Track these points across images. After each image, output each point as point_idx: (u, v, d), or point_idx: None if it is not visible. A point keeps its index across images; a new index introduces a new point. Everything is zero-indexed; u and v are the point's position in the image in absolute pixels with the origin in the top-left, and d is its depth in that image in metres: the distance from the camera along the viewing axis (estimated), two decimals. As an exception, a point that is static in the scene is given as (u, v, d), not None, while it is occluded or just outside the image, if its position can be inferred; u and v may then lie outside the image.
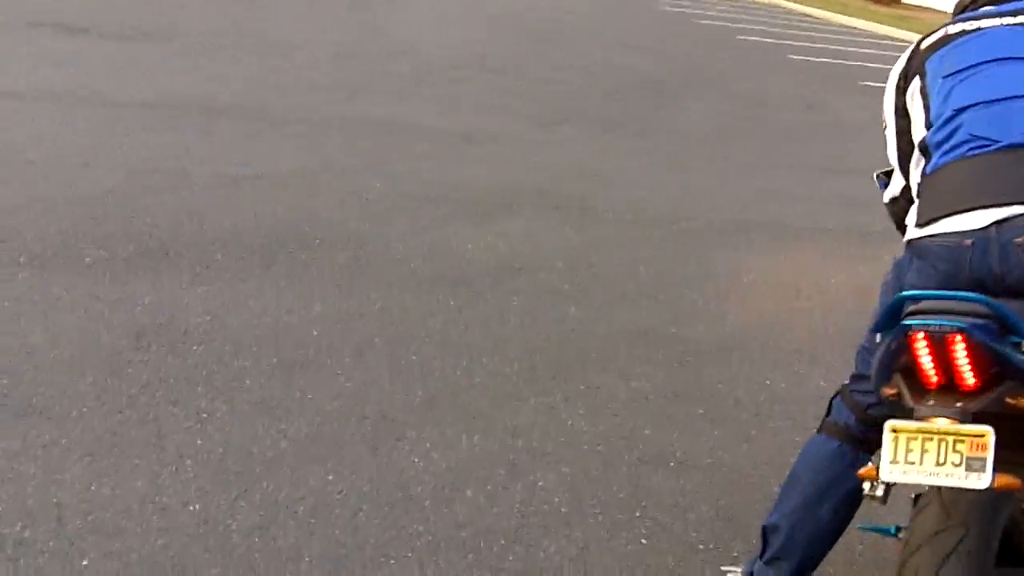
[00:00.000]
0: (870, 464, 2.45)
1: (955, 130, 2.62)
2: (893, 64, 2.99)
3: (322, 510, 3.40)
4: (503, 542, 3.33)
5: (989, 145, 2.55)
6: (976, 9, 2.92)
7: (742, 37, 18.80)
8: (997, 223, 2.47)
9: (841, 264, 6.36)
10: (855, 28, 24.06)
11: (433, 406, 4.17)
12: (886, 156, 2.96)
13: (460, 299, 5.26)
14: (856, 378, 2.82)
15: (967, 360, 2.22)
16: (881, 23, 24.72)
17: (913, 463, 2.25)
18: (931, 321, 2.24)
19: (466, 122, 9.28)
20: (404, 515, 3.42)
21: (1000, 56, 2.67)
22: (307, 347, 4.54)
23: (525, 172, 7.79)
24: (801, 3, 28.46)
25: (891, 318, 2.34)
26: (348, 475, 3.61)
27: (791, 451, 3.97)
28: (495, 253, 5.95)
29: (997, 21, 2.75)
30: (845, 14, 26.45)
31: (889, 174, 3.00)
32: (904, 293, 2.36)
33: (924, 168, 2.71)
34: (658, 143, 9.39)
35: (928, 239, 2.58)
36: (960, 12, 2.98)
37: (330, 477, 3.59)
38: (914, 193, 2.77)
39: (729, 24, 20.87)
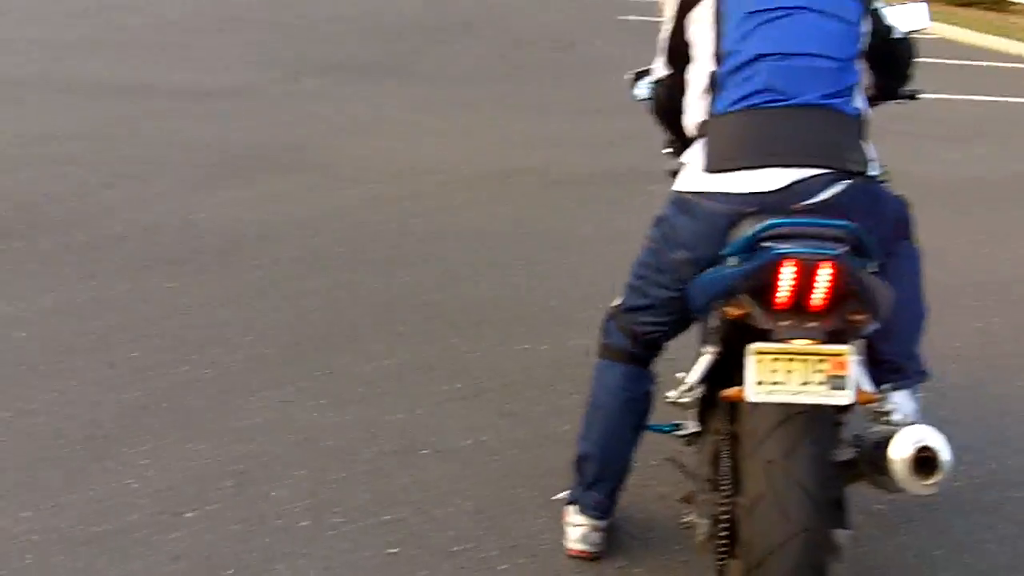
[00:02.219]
0: (735, 387, 2.46)
1: (751, 76, 2.61)
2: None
3: (5, 559, 2.86)
4: (229, 572, 2.88)
5: (783, 100, 2.58)
6: None
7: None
8: (780, 189, 2.52)
9: (600, 211, 6.09)
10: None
11: (148, 413, 3.64)
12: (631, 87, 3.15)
13: (182, 280, 4.71)
14: (633, 310, 2.86)
15: (828, 285, 2.34)
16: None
17: (779, 383, 2.36)
18: (803, 249, 2.34)
19: (201, 80, 8.60)
20: (108, 554, 2.91)
21: (806, 4, 2.67)
22: (-4, 353, 3.93)
23: (268, 130, 7.24)
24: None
25: (748, 244, 2.41)
26: (41, 511, 3.08)
27: (555, 420, 3.68)
28: (228, 224, 5.41)
29: None
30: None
31: (643, 74, 3.17)
32: (767, 223, 2.40)
33: (712, 105, 2.66)
34: (417, 90, 8.92)
35: (707, 198, 2.60)
36: None
37: (22, 514, 3.05)
38: (692, 124, 2.75)
39: None
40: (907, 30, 3.04)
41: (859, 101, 2.72)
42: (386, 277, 4.90)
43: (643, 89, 3.17)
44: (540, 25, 13.17)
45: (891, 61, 3.01)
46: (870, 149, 2.70)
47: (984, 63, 12.78)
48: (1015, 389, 4.22)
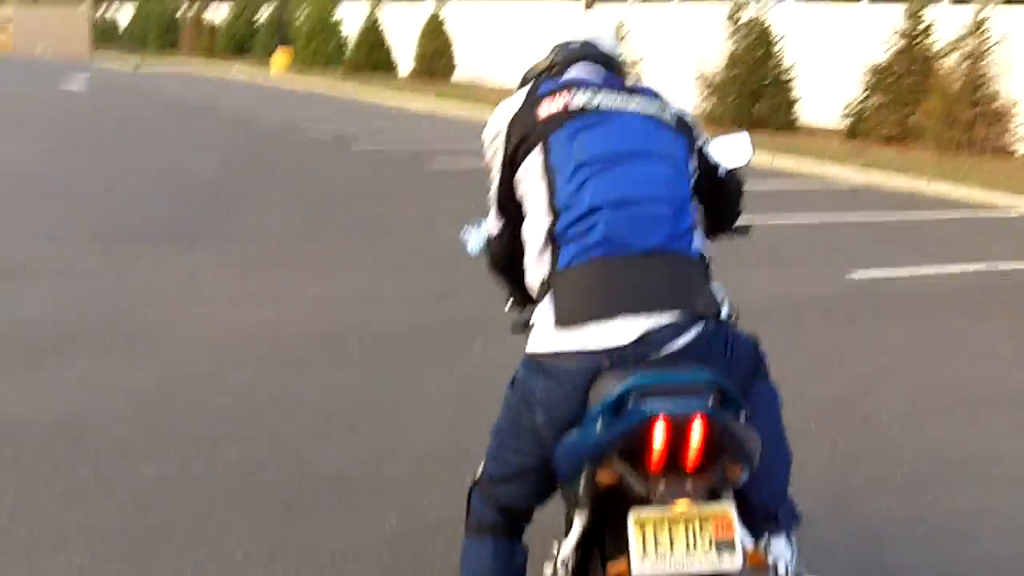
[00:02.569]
0: (620, 559, 2.35)
1: (591, 228, 2.58)
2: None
3: None
4: None
5: (625, 249, 2.57)
6: (565, 74, 2.88)
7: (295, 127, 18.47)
8: (635, 342, 2.48)
9: (436, 366, 5.94)
10: (412, 111, 24.41)
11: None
12: (466, 243, 3.13)
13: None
14: (497, 480, 2.73)
15: (701, 440, 2.26)
16: (440, 101, 25.27)
17: (664, 554, 2.25)
18: (672, 406, 2.26)
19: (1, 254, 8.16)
20: None
21: (635, 150, 2.68)
22: None
23: (78, 305, 6.86)
24: (340, 90, 28.71)
25: (612, 404, 2.33)
26: None
27: None
28: (39, 414, 5.03)
29: (619, 103, 2.75)
30: (396, 100, 26.87)
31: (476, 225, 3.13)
32: (631, 382, 2.34)
33: (555, 260, 2.63)
34: (229, 252, 8.67)
35: (561, 358, 2.54)
36: (549, 74, 2.91)
37: None
38: (536, 281, 2.70)
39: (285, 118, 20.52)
40: (732, 166, 3.08)
41: (699, 241, 2.73)
42: (221, 457, 4.61)
43: (477, 243, 3.13)
44: (349, 180, 13.15)
45: (720, 199, 3.03)
46: (717, 289, 2.69)
47: (778, 185, 13.35)
48: (880, 512, 4.22)
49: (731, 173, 3.05)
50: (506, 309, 3.08)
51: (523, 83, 2.93)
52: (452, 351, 6.15)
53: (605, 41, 2.96)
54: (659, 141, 2.73)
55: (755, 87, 19.73)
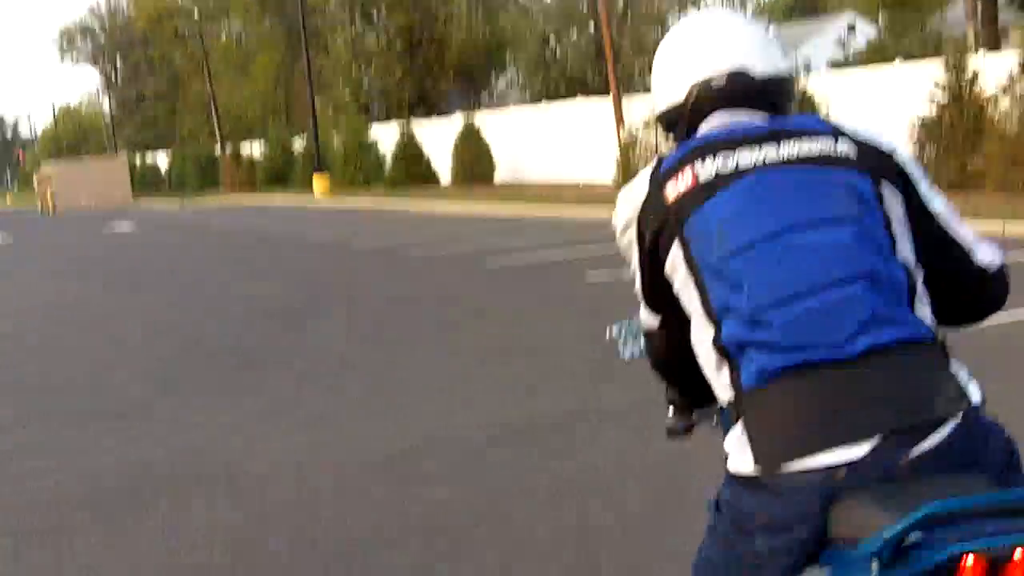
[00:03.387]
0: None
1: (767, 335, 2.03)
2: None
3: None
4: None
5: (824, 356, 1.99)
6: (699, 129, 2.27)
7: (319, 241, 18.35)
8: (875, 450, 1.94)
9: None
10: (459, 214, 24.38)
11: None
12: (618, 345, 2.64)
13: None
14: None
15: None
16: (484, 203, 25.23)
17: None
18: (988, 540, 1.69)
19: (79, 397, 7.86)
20: None
21: (795, 220, 2.07)
22: None
23: (154, 451, 6.51)
24: (386, 204, 28.79)
25: (892, 542, 1.74)
26: None
27: None
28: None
29: (768, 155, 2.13)
30: (441, 207, 26.85)
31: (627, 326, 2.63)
32: (926, 508, 1.73)
33: (737, 378, 2.07)
34: (294, 390, 8.33)
35: (783, 475, 1.98)
36: (685, 133, 2.30)
37: None
38: (723, 398, 2.14)
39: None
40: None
41: (923, 310, 2.10)
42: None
43: (629, 346, 2.64)
44: (409, 287, 12.90)
45: (952, 277, 2.23)
46: (959, 369, 2.07)
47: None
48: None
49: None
50: (668, 416, 2.60)
51: (659, 123, 2.39)
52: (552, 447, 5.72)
53: (759, 61, 2.26)
54: (830, 195, 2.10)
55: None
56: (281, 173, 44.39)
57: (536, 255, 14.59)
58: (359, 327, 10.24)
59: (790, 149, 2.14)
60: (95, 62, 74.93)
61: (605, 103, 27.71)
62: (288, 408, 7.26)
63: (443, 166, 33.50)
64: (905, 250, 2.11)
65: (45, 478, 5.96)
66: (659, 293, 2.26)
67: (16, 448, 6.74)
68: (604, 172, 26.11)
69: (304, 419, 6.91)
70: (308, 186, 38.46)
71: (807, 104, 19.42)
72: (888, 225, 2.10)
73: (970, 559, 1.69)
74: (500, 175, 31.80)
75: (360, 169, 37.00)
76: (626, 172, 23.37)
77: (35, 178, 55.18)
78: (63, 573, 4.61)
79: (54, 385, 8.65)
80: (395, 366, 8.24)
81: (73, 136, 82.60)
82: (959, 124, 17.71)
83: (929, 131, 18.08)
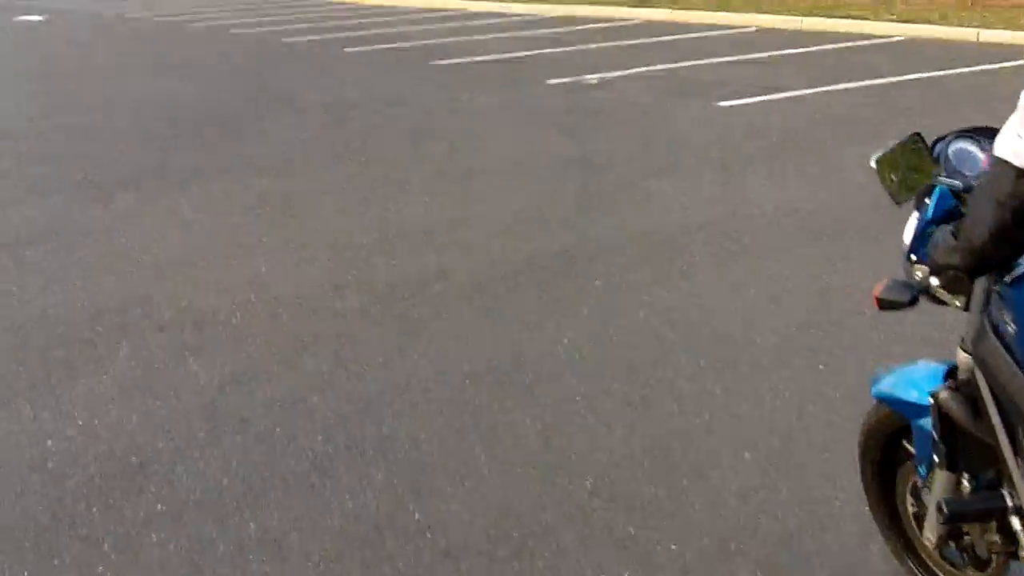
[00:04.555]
0: None
1: None
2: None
3: None
4: None
5: None
6: None
7: (238, 32, 17.18)
8: None
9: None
10: (392, 5, 23.07)
11: None
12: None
13: None
14: None
15: None
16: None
17: None
18: None
19: None
20: None
21: None
22: None
23: (102, 266, 5.81)
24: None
25: None
26: None
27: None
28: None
29: None
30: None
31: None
32: None
33: None
34: (259, 189, 7.53)
35: None
36: None
37: None
38: None
39: (227, 23, 19.15)
40: None
41: None
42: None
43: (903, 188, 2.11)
44: (347, 86, 12.01)
45: None
46: None
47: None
48: None
49: None
50: (886, 286, 2.14)
51: None
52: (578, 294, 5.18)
53: None
54: None
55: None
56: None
57: (480, 48, 13.75)
58: (302, 132, 9.43)
59: None
60: None
61: None
62: (240, 213, 6.59)
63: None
64: None
65: None
66: None
67: None
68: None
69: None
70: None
71: None
72: None
73: None
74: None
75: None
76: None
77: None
78: None
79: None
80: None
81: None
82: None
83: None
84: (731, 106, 9.37)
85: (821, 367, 4.00)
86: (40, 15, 24.51)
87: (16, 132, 9.97)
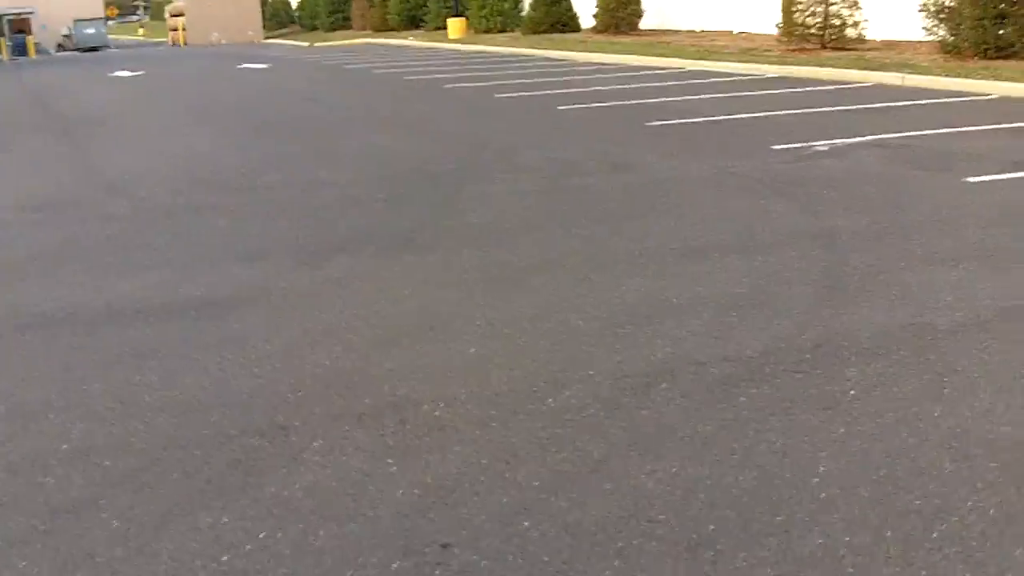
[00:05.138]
0: None
1: None
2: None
3: None
4: None
5: None
6: None
7: (454, 86, 17.03)
8: None
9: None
10: (605, 63, 22.83)
11: None
12: None
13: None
14: None
15: None
16: (631, 53, 23.61)
17: None
18: None
19: (168, 286, 6.71)
20: None
21: None
22: None
23: (306, 341, 5.46)
24: (523, 46, 27.28)
25: None
26: None
27: None
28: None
29: None
30: (582, 50, 25.29)
31: None
32: None
33: None
34: (475, 260, 7.15)
35: None
36: None
37: None
38: None
39: (437, 76, 19.11)
40: None
41: None
42: None
43: None
44: (569, 144, 11.60)
45: None
46: None
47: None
48: None
49: None
50: None
51: None
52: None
53: None
54: None
55: (998, 7, 17.34)
56: (414, 14, 42.98)
57: (697, 109, 13.16)
58: (521, 199, 9.03)
59: None
60: None
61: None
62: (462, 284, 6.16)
63: (585, 11, 31.68)
64: None
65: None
66: None
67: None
68: (764, 21, 24.15)
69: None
70: (442, 27, 37.05)
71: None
72: None
73: None
74: (647, 22, 29.89)
75: (498, 13, 35.48)
76: (790, 20, 21.38)
77: (167, 11, 54.70)
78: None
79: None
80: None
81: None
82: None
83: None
84: (982, 182, 8.46)
85: None
86: (265, 63, 25.27)
87: (231, 185, 9.93)
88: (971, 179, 8.54)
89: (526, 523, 3.37)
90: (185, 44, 49.07)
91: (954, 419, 4.02)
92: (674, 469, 3.70)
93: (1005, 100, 13.71)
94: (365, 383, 4.62)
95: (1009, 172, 8.78)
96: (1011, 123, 11.53)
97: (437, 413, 4.27)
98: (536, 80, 19.21)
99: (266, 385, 4.66)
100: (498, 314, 5.54)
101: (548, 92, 16.92)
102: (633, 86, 17.33)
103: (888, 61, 18.18)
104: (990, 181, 8.48)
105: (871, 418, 4.06)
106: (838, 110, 13.28)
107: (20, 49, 46.78)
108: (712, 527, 3.30)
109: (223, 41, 49.67)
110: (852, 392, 4.32)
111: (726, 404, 4.26)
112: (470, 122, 14.12)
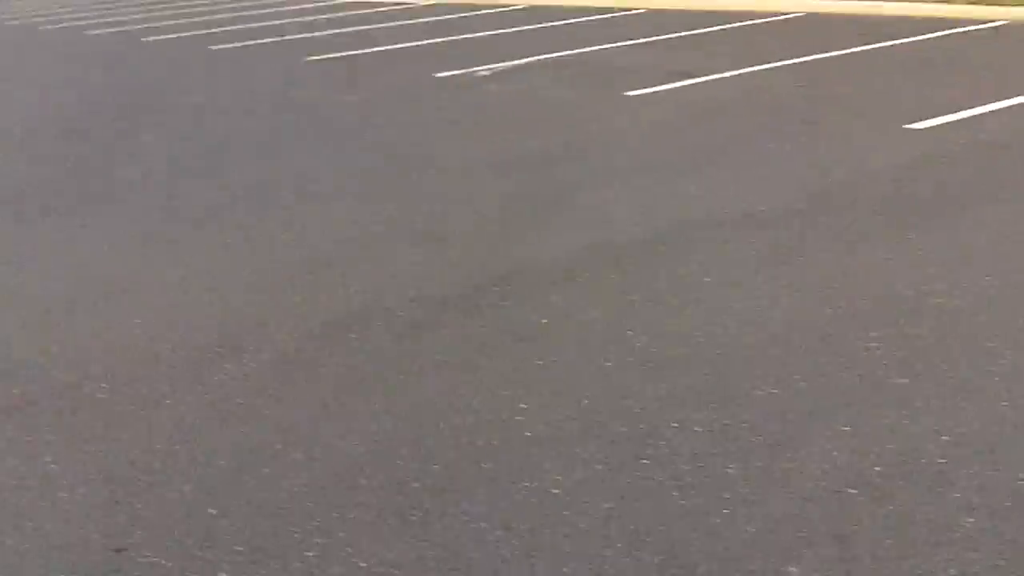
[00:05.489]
0: None
1: None
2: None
3: None
4: None
5: None
6: None
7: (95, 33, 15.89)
8: None
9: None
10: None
11: None
12: None
13: None
14: None
15: None
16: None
17: None
18: None
19: None
20: None
21: None
22: None
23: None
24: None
25: None
26: None
27: None
28: None
29: None
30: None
31: None
32: None
33: None
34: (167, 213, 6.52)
35: None
36: None
37: None
38: None
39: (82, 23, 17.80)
40: None
41: None
42: None
43: None
44: (239, 86, 10.96)
45: None
46: None
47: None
48: None
49: None
50: None
51: None
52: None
53: None
54: None
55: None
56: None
57: (341, 42, 12.79)
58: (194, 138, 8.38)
59: None
60: None
61: None
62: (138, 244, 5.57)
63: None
64: None
65: None
66: None
67: None
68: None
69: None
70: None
71: None
72: None
73: None
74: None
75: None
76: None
77: None
78: None
79: None
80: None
81: None
82: None
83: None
84: (642, 95, 8.64)
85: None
86: None
87: None
88: (631, 93, 8.69)
89: (212, 511, 3.00)
90: None
91: (647, 337, 3.96)
92: (373, 428, 3.43)
93: (657, 12, 14.14)
94: (16, 369, 4.06)
95: (665, 84, 8.99)
96: (662, 35, 11.87)
97: (101, 396, 3.79)
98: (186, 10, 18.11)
99: None
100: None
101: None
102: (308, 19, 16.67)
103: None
104: (649, 93, 8.66)
105: (567, 347, 3.94)
106: (501, 33, 13.26)
107: None
108: (417, 485, 3.05)
109: None
110: (544, 321, 4.19)
111: (418, 349, 4.02)
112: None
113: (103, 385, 3.86)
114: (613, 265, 4.77)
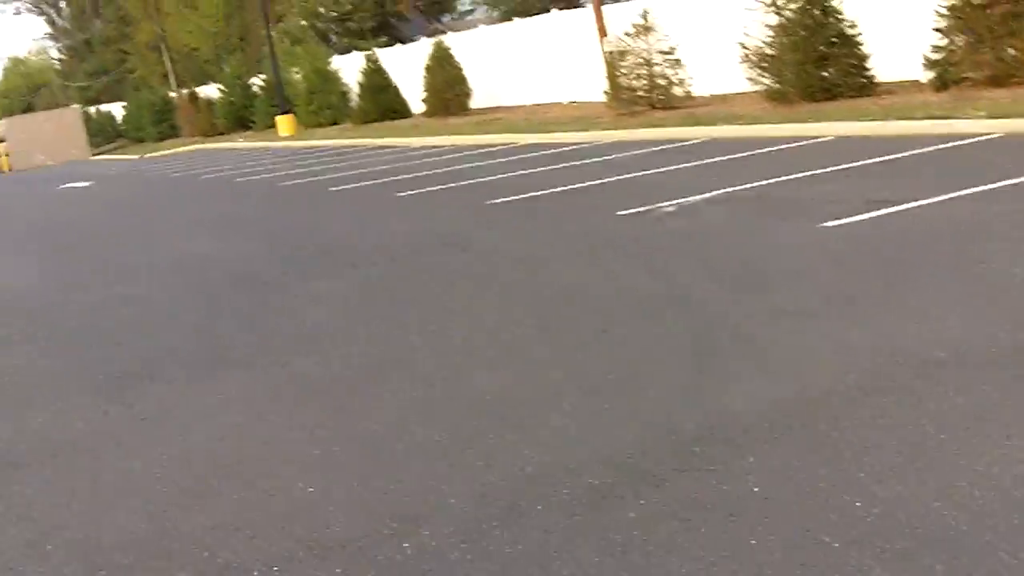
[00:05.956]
0: None
1: None
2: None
3: None
4: None
5: None
6: None
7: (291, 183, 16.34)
8: None
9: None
10: (439, 145, 22.38)
11: None
12: None
13: None
14: None
15: None
16: (463, 134, 23.23)
17: None
18: None
19: None
20: None
21: None
22: None
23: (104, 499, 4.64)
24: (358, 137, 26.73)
25: None
26: None
27: None
28: None
29: None
30: (415, 135, 24.83)
31: None
32: None
33: None
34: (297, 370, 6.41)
35: None
36: None
37: None
38: None
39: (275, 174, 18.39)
40: None
41: None
42: None
43: None
44: (376, 235, 10.98)
45: None
46: None
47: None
48: None
49: None
50: None
51: None
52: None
53: None
54: None
55: (819, 51, 17.54)
56: (242, 115, 42.03)
57: (535, 183, 12.71)
58: (350, 293, 8.32)
59: None
60: (38, 10, 71.46)
61: (582, 14, 25.99)
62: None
63: (413, 96, 31.31)
64: None
65: None
66: None
67: None
68: (591, 89, 24.14)
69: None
70: (272, 126, 36.31)
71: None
72: None
73: None
74: (477, 101, 29.64)
75: (327, 107, 34.94)
76: (616, 85, 21.32)
77: (-14, 137, 52.53)
78: None
79: None
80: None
81: (25, 90, 78.82)
82: (995, 5, 15.71)
83: (959, 19, 16.07)
84: (840, 226, 8.12)
85: None
86: (88, 181, 24.11)
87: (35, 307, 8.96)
88: (828, 224, 8.20)
89: None
90: (10, 170, 46.95)
91: (878, 510, 3.43)
92: None
93: (843, 140, 13.65)
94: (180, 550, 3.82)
95: (863, 213, 8.47)
96: (854, 162, 11.37)
97: (270, 577, 3.51)
98: (371, 169, 18.62)
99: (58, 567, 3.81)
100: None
101: (385, 180, 16.33)
102: (470, 165, 16.87)
103: (719, 114, 18.15)
104: (848, 224, 8.15)
105: (781, 521, 3.45)
106: (680, 168, 12.99)
107: None
108: None
109: (49, 162, 47.75)
110: (756, 490, 3.72)
111: (605, 515, 3.61)
112: (305, 218, 13.38)
113: (274, 568, 3.57)
114: (820, 418, 4.27)
